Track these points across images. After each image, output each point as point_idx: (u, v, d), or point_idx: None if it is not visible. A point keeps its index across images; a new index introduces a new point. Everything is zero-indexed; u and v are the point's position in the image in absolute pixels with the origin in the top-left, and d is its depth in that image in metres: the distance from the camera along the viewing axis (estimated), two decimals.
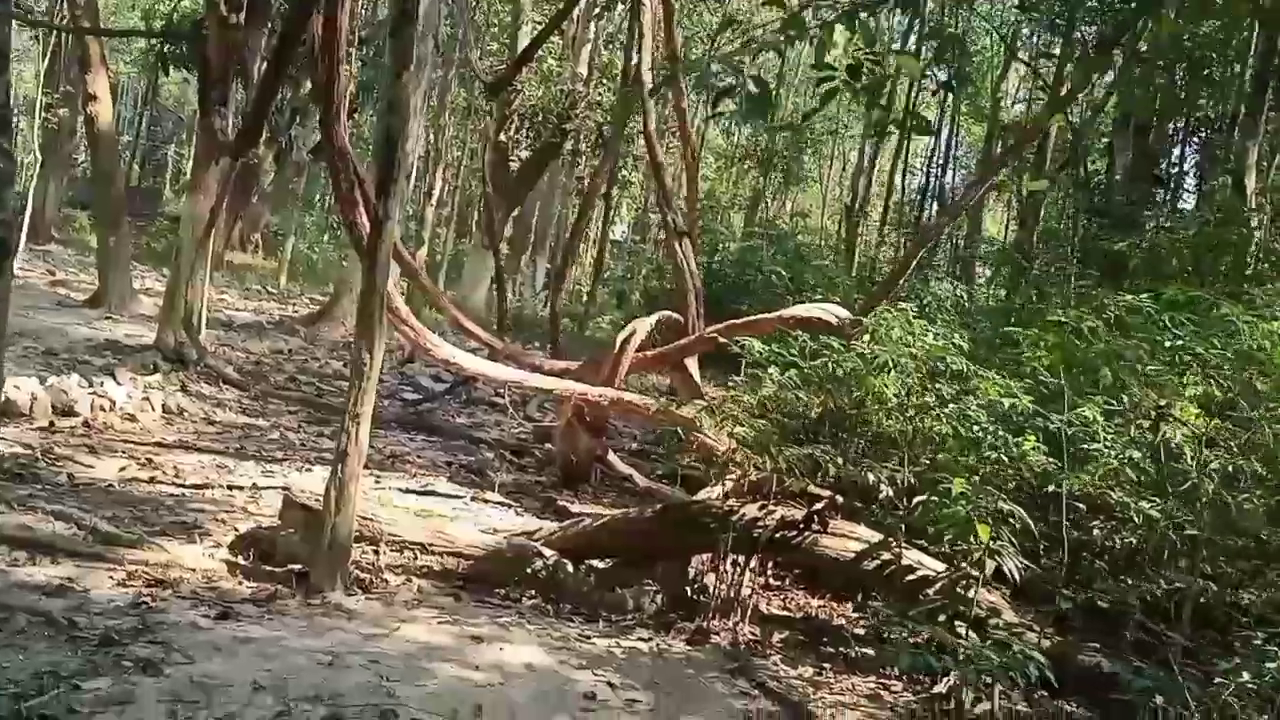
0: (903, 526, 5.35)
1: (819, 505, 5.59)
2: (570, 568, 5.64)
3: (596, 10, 17.31)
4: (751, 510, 5.54)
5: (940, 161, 28.96)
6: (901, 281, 7.12)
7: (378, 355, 5.18)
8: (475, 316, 11.25)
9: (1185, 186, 22.93)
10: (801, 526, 5.54)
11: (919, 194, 29.77)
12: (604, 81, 18.04)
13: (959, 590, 5.16)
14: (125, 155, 32.64)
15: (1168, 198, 23.15)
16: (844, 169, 39.26)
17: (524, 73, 15.67)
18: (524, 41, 15.87)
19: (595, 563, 5.89)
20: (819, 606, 6.10)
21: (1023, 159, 26.44)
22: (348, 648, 4.37)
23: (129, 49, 31.49)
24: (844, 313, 7.29)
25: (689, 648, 5.13)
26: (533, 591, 5.48)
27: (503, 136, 16.39)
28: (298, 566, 5.19)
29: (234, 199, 17.41)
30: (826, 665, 5.12)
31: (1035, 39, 25.36)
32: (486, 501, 7.54)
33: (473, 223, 30.40)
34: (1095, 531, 5.48)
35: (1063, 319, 4.92)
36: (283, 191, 25.49)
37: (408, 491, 7.41)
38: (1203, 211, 15.72)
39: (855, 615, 5.93)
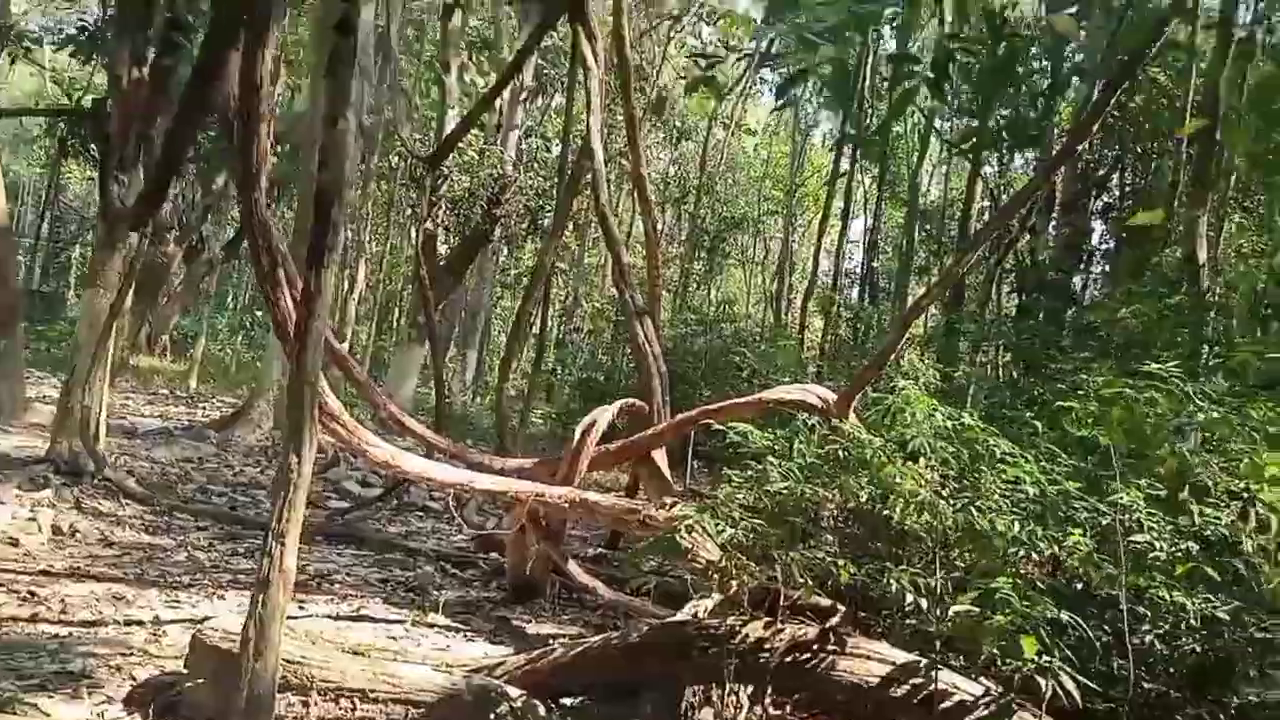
0: (935, 643, 4.56)
1: (834, 620, 4.77)
2: (542, 710, 4.70)
3: (523, 95, 16.83)
4: (756, 629, 4.68)
5: (867, 246, 28.93)
6: (890, 359, 6.41)
7: (308, 458, 4.26)
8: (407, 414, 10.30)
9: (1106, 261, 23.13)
10: (815, 647, 4.71)
11: (853, 279, 29.84)
12: (533, 166, 17.46)
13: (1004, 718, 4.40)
14: (26, 258, 31.34)
15: (1096, 274, 23.35)
16: (765, 255, 39.34)
17: (449, 160, 15.03)
18: (451, 126, 15.23)
19: (568, 700, 4.97)
20: None
21: (941, 242, 26.75)
22: None
23: (29, 146, 30.38)
24: (829, 394, 6.57)
25: None
26: None
27: (429, 225, 15.63)
28: None
29: (140, 299, 16.27)
30: None
31: (950, 124, 25.86)
32: (430, 626, 6.53)
33: (394, 319, 29.47)
34: (1148, 638, 4.76)
35: (1125, 390, 4.22)
36: (192, 291, 24.31)
37: (338, 618, 6.40)
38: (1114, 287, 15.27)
39: None
